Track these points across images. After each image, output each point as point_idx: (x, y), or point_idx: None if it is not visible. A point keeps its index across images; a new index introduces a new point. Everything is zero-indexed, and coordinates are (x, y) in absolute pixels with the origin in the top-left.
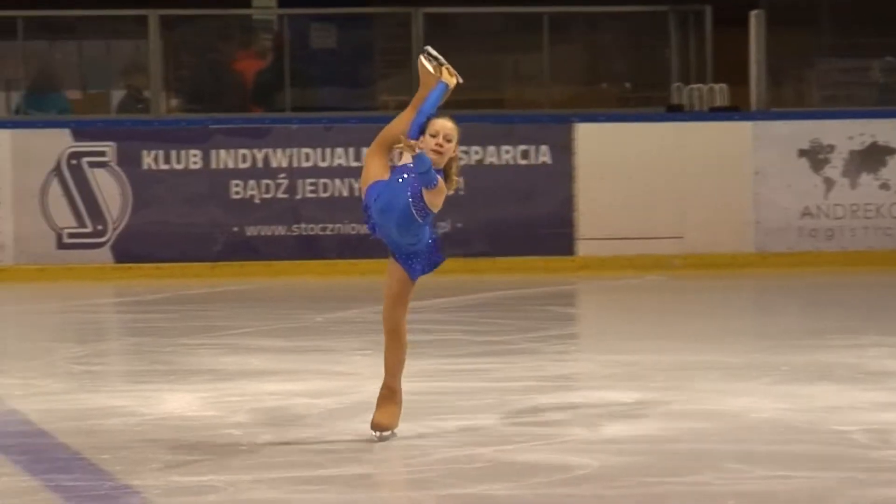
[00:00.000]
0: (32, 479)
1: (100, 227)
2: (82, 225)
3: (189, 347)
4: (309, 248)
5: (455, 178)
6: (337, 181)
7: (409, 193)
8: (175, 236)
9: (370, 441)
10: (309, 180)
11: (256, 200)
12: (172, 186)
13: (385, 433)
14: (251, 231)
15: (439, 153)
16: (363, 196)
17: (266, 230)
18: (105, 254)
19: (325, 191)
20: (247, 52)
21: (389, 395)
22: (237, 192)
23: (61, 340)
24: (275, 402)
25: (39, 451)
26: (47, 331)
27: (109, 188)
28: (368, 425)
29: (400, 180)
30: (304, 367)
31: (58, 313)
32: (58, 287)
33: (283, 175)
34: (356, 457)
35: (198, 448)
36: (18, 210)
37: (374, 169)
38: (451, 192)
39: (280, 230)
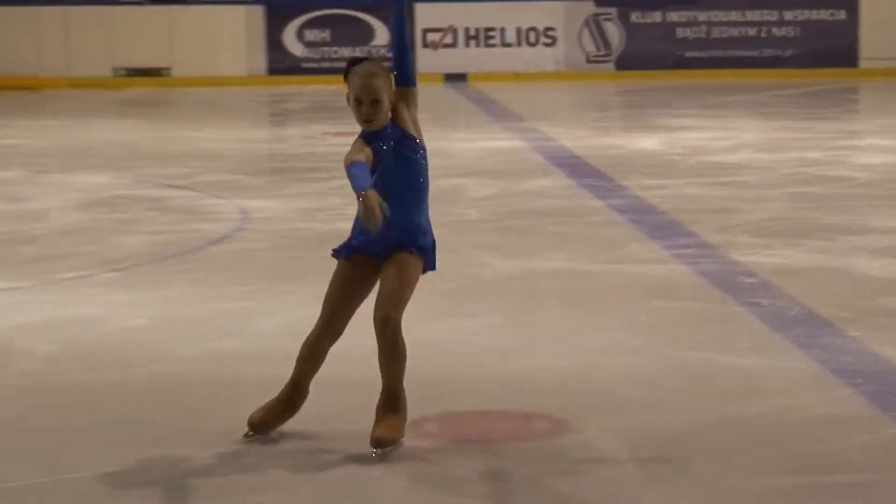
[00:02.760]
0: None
1: (607, 52)
2: (599, 50)
3: (665, 116)
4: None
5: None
6: None
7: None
8: None
9: (731, 166)
10: None
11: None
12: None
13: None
14: None
15: (370, 122)
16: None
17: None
18: (610, 67)
19: None
20: None
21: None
22: None
23: (587, 111)
24: (696, 143)
25: (575, 168)
26: (581, 104)
27: (612, 32)
28: (738, 162)
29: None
30: (710, 124)
31: (587, 97)
32: (586, 85)
33: None
34: (730, 180)
35: (656, 167)
36: (567, 39)
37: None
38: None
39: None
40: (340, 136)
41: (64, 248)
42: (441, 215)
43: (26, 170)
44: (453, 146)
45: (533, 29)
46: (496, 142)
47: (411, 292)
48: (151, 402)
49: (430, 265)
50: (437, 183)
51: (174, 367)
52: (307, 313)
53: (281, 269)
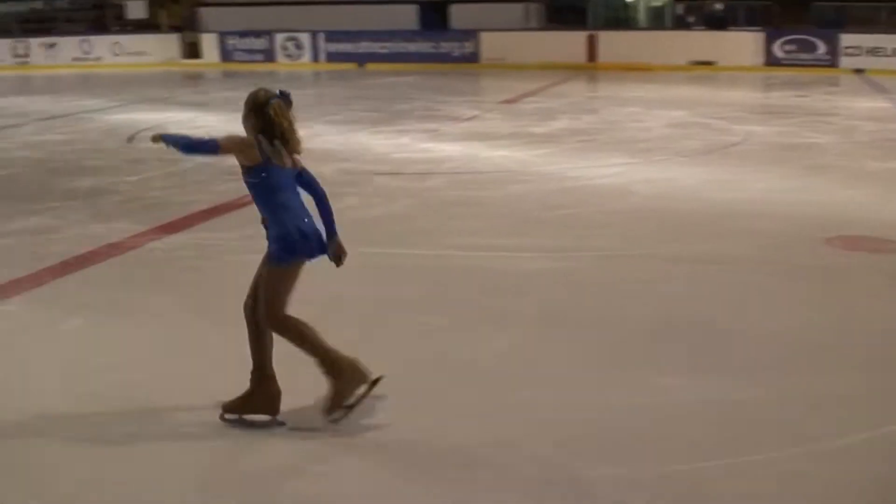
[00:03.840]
0: None
1: None
2: None
3: None
4: None
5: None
6: None
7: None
8: None
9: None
10: None
11: None
12: None
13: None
14: None
15: None
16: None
17: None
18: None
19: None
20: None
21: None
22: None
23: None
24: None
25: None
26: None
27: None
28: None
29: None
30: None
31: None
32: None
33: None
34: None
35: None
36: None
37: None
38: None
39: None
40: (799, 98)
41: (657, 145)
42: (844, 141)
43: (642, 108)
44: (854, 105)
45: None
46: (878, 103)
47: (276, 290)
48: (657, 225)
49: (279, 260)
50: (845, 123)
51: (693, 206)
52: (782, 183)
53: (766, 160)
